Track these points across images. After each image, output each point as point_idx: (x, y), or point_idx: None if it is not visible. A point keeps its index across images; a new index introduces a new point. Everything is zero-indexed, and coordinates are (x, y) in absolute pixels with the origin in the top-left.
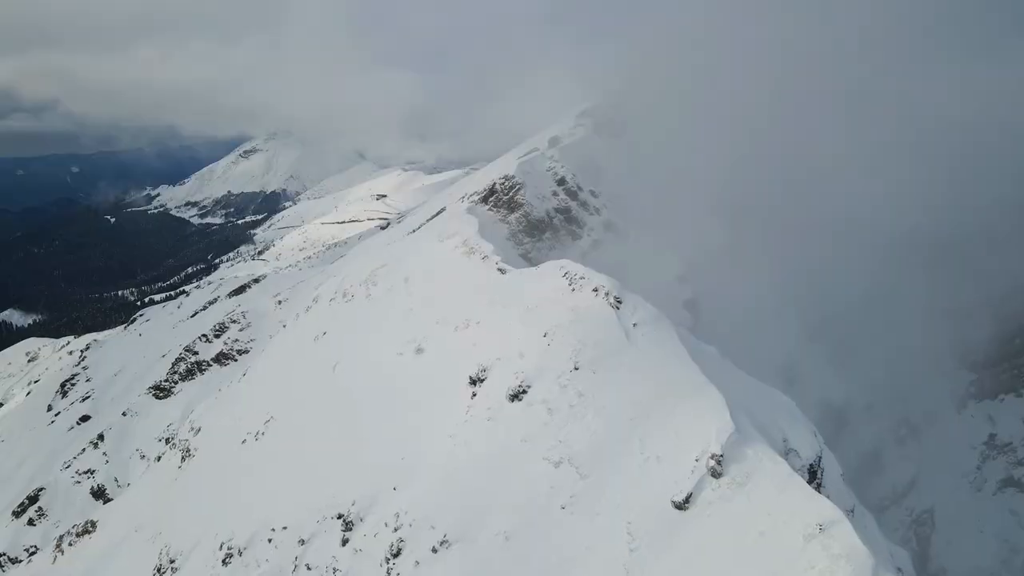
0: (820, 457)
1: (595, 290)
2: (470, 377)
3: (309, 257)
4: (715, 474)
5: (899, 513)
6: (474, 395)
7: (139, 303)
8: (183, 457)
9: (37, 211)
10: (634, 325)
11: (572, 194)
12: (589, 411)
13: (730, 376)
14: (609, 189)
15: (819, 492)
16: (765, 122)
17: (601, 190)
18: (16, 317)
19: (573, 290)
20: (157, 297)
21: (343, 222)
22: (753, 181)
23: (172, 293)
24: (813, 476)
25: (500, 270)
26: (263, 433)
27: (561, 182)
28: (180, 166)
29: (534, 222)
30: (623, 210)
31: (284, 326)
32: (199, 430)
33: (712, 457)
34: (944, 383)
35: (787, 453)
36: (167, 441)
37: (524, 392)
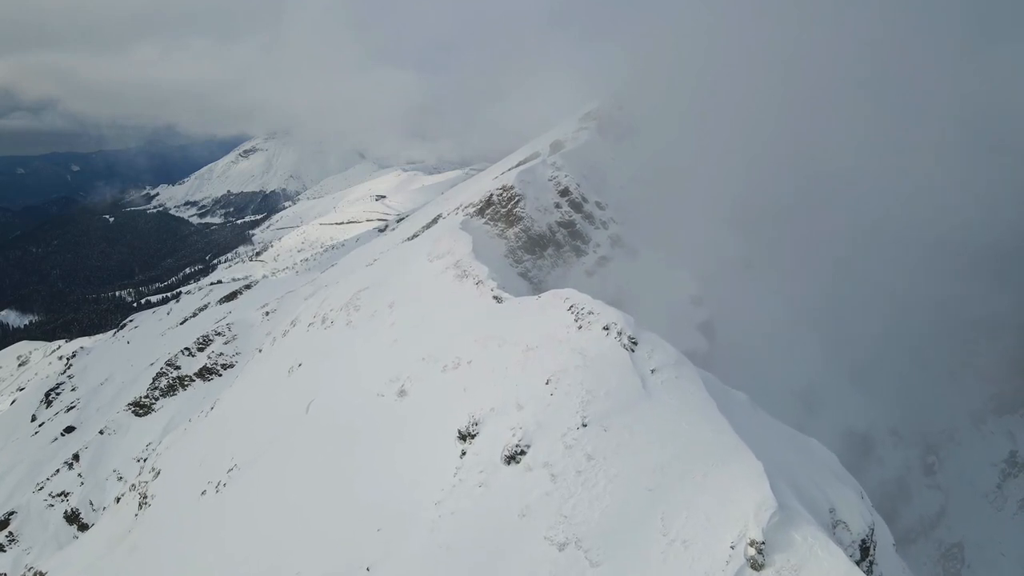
0: (872, 529)
1: (606, 328)
2: (459, 431)
3: (307, 259)
4: (756, 565)
5: (927, 546)
6: (463, 453)
7: (136, 304)
8: (140, 504)
9: (36, 210)
10: (652, 371)
11: (576, 206)
12: (600, 479)
13: (763, 429)
14: (616, 199)
15: (872, 571)
16: (779, 123)
17: (607, 201)
18: (12, 318)
19: (580, 327)
20: (154, 299)
21: (342, 223)
22: (767, 187)
23: (169, 295)
24: (865, 553)
25: (496, 298)
26: (224, 484)
27: (564, 193)
28: (179, 165)
29: (535, 237)
30: (631, 222)
31: (260, 351)
32: (159, 472)
33: (752, 544)
34: (962, 399)
35: (835, 526)
36: (143, 462)
37: (523, 452)
